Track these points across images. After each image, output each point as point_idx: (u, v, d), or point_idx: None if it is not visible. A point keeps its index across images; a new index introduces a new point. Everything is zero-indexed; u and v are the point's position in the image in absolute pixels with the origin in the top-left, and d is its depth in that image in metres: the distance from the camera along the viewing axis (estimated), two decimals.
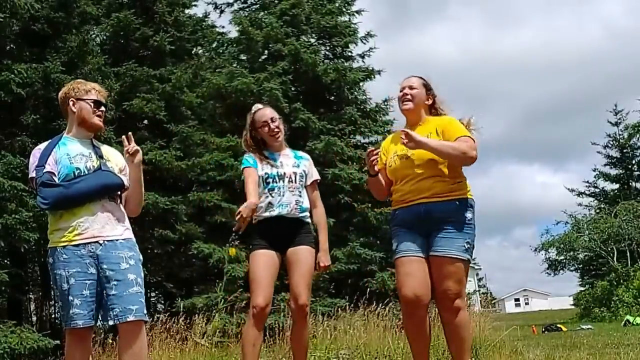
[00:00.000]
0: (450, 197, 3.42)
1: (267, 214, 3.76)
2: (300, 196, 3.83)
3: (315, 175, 3.98)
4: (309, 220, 3.90)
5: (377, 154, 3.53)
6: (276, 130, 3.86)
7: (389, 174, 3.62)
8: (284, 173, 3.81)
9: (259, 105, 4.03)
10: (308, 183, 3.93)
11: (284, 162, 3.87)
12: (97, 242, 3.12)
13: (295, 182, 3.82)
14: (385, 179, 3.64)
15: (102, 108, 3.30)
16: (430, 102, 3.66)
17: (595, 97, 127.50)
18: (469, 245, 3.42)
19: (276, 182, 3.78)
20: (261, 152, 3.89)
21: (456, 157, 3.39)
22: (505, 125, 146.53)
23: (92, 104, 3.26)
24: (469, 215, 3.44)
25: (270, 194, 3.77)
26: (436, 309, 3.65)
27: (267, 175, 3.79)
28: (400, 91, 3.66)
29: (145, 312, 3.15)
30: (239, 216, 3.49)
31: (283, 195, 3.77)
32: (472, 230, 3.45)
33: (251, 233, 3.85)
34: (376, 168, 3.53)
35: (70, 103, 3.28)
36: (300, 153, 4.04)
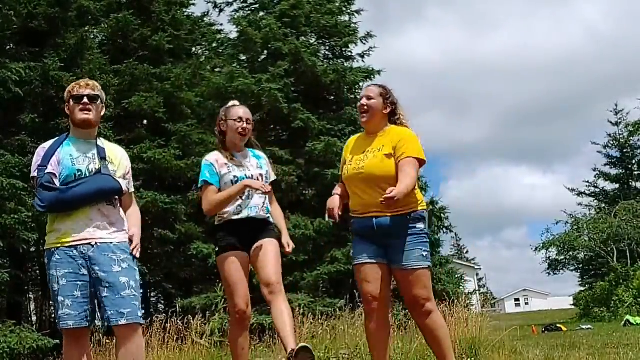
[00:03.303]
0: (400, 212, 3.48)
1: (235, 217, 3.74)
2: (263, 196, 3.82)
3: (272, 175, 3.99)
4: (272, 220, 3.90)
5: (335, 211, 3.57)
6: (246, 131, 3.84)
7: (344, 180, 3.70)
8: (252, 175, 3.79)
9: (235, 102, 4.01)
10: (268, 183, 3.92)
11: (248, 164, 3.85)
12: (88, 243, 3.11)
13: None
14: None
15: (85, 100, 3.22)
16: (389, 110, 3.68)
17: (577, 98, 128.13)
18: (426, 253, 3.54)
19: None
20: (225, 148, 3.86)
21: (409, 193, 3.44)
22: (488, 127, 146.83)
23: (72, 102, 3.24)
24: (420, 226, 3.55)
25: (240, 197, 3.74)
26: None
27: (236, 179, 3.75)
28: (359, 100, 3.74)
29: (139, 314, 3.11)
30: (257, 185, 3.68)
31: (251, 198, 3.76)
32: (425, 239, 3.57)
33: (217, 233, 3.81)
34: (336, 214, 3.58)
35: (66, 108, 3.31)
36: (257, 152, 4.00)
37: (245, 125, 3.82)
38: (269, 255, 3.71)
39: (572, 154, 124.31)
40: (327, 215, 3.59)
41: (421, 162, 3.57)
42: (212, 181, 3.76)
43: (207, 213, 3.84)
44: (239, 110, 3.88)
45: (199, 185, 3.85)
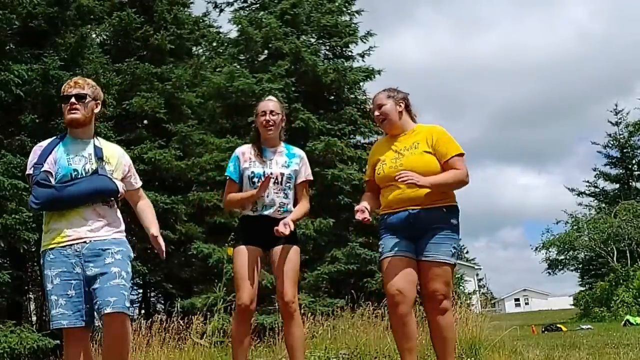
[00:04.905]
0: (436, 205, 3.54)
1: (251, 213, 3.77)
2: (285, 198, 3.80)
3: (306, 175, 3.93)
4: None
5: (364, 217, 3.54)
6: (270, 123, 3.81)
7: (377, 180, 3.69)
8: (271, 173, 3.76)
9: (271, 97, 4.02)
10: (298, 182, 3.89)
11: (274, 159, 3.83)
12: (83, 241, 3.11)
13: (281, 184, 3.79)
14: (374, 185, 3.73)
15: (72, 100, 3.21)
16: (402, 106, 3.72)
17: (569, 98, 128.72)
18: (455, 250, 3.57)
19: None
20: (256, 144, 3.88)
21: (455, 186, 3.58)
22: (481, 128, 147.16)
23: (63, 103, 3.25)
24: (454, 221, 3.58)
25: (261, 195, 3.75)
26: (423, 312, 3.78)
27: (253, 175, 3.77)
28: (372, 113, 3.79)
29: (126, 305, 3.08)
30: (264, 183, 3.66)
31: (267, 196, 3.74)
32: (457, 235, 3.61)
33: (236, 228, 3.89)
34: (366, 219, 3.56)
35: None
36: (295, 150, 3.97)
37: (268, 117, 3.80)
38: (289, 266, 3.72)
39: (566, 154, 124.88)
40: (358, 215, 3.52)
41: (463, 156, 3.62)
42: (233, 177, 3.83)
43: (224, 207, 4.09)
44: (265, 104, 3.88)
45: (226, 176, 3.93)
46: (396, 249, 3.54)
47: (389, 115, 3.67)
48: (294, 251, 3.78)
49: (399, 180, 3.41)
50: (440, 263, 3.49)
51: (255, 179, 3.76)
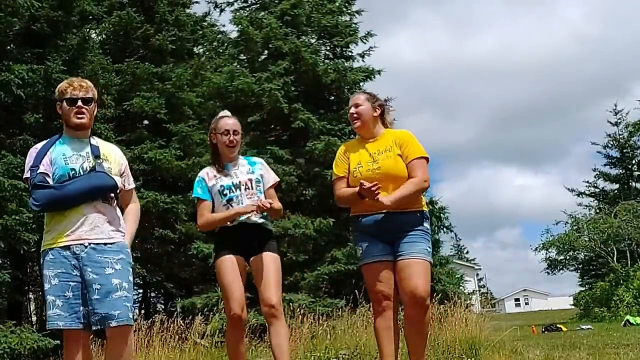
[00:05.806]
0: (411, 209, 3.64)
1: (228, 224, 3.79)
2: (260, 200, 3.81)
3: (272, 178, 3.98)
4: (271, 228, 3.93)
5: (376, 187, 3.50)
6: (234, 142, 3.87)
7: (352, 182, 3.72)
8: (239, 182, 3.82)
9: (227, 113, 4.05)
10: (267, 187, 3.94)
11: (237, 171, 3.88)
12: (82, 244, 3.10)
13: (252, 189, 3.82)
14: (346, 185, 3.77)
15: (79, 103, 3.21)
16: (379, 112, 3.82)
17: (563, 99, 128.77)
18: (430, 250, 3.67)
19: (233, 192, 3.79)
20: (217, 161, 3.92)
21: (418, 193, 3.66)
22: (477, 129, 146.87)
23: (66, 104, 3.23)
24: (426, 225, 3.70)
25: (230, 205, 3.78)
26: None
27: (222, 188, 3.81)
28: (348, 111, 3.88)
29: (130, 316, 3.09)
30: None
31: (241, 204, 3.77)
32: (430, 237, 3.72)
33: (215, 240, 3.91)
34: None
35: (57, 106, 3.29)
36: (254, 159, 4.05)
37: (232, 137, 3.87)
38: (270, 273, 3.74)
39: (563, 155, 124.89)
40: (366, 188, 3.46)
41: (427, 160, 3.71)
42: (204, 197, 3.85)
43: (199, 229, 4.01)
44: (226, 122, 3.92)
45: (194, 199, 3.94)
46: (375, 253, 3.64)
47: (363, 116, 3.76)
48: (274, 258, 3.80)
49: (365, 190, 3.43)
50: (419, 260, 3.56)
51: (226, 191, 3.80)
